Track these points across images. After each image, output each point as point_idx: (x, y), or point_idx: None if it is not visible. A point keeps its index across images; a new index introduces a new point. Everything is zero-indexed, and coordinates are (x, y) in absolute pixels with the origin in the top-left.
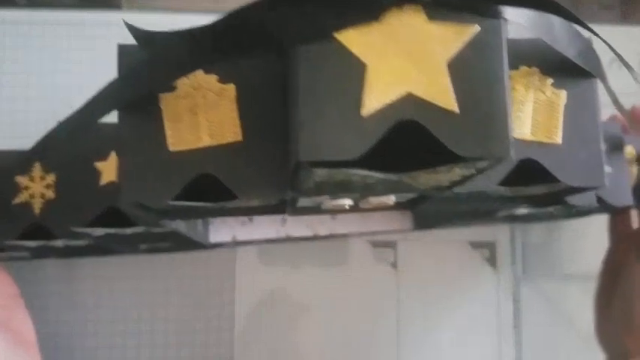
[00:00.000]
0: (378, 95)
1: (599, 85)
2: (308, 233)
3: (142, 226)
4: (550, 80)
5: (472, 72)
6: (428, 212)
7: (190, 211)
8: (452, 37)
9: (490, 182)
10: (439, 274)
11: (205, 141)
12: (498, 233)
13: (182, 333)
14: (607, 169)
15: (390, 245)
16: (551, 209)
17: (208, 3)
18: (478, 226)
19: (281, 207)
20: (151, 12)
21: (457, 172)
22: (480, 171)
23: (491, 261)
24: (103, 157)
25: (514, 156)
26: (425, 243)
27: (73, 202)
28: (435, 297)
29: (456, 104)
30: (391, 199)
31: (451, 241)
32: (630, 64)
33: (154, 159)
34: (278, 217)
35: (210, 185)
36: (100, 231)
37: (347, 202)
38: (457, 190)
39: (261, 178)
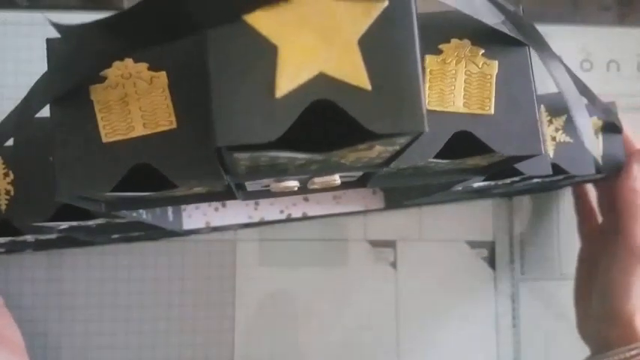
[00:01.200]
0: (290, 76)
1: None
2: (281, 217)
3: (101, 218)
4: (481, 51)
5: (383, 48)
6: (394, 190)
7: (137, 201)
8: (361, 14)
9: (425, 156)
10: (438, 273)
11: (139, 130)
12: (497, 233)
13: (183, 333)
14: (565, 138)
15: (390, 245)
16: (508, 181)
17: None
18: (443, 204)
19: (230, 193)
20: None
21: (379, 148)
22: (403, 146)
23: (490, 261)
24: None
25: (428, 129)
26: (424, 243)
27: (32, 198)
28: (435, 297)
29: (368, 81)
30: (335, 178)
31: (450, 241)
32: (628, 65)
33: (89, 151)
34: (250, 202)
35: (154, 175)
36: (63, 224)
37: (293, 183)
38: (396, 165)
39: (198, 164)
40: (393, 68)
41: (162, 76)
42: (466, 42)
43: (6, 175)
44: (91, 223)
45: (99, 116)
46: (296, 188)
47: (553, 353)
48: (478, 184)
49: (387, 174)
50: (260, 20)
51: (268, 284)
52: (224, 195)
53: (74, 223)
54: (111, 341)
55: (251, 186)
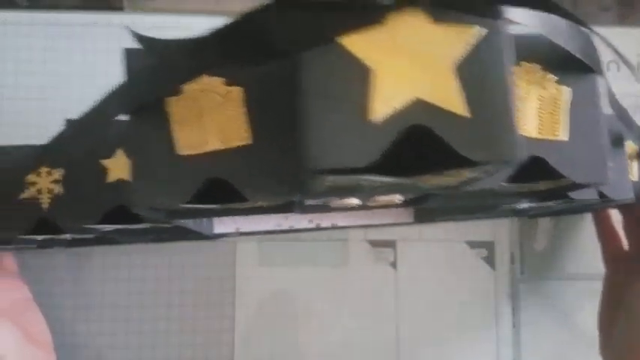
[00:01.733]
0: (385, 100)
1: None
2: (310, 226)
3: (149, 223)
4: (552, 76)
5: (477, 74)
6: (430, 206)
7: (199, 212)
8: (456, 39)
9: (497, 181)
10: (438, 273)
11: (213, 144)
12: (497, 233)
13: (183, 333)
14: (609, 164)
15: (390, 245)
16: (551, 203)
17: (210, 4)
18: (478, 220)
19: (288, 206)
20: (152, 13)
21: (465, 174)
22: (488, 173)
23: (490, 261)
24: (110, 154)
25: (522, 158)
26: (424, 243)
27: (81, 199)
28: (435, 297)
29: (464, 108)
30: (397, 197)
31: (450, 241)
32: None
33: (164, 164)
34: None
35: (218, 186)
36: (109, 227)
37: (355, 201)
38: (467, 188)
39: (270, 180)
40: (490, 96)
41: (237, 91)
42: (536, 66)
43: (49, 173)
44: (136, 226)
45: (174, 129)
46: (355, 205)
47: (553, 353)
48: (523, 205)
49: (447, 195)
50: (354, 43)
51: (268, 284)
52: (282, 208)
53: (120, 227)
54: (110, 341)
55: (311, 201)
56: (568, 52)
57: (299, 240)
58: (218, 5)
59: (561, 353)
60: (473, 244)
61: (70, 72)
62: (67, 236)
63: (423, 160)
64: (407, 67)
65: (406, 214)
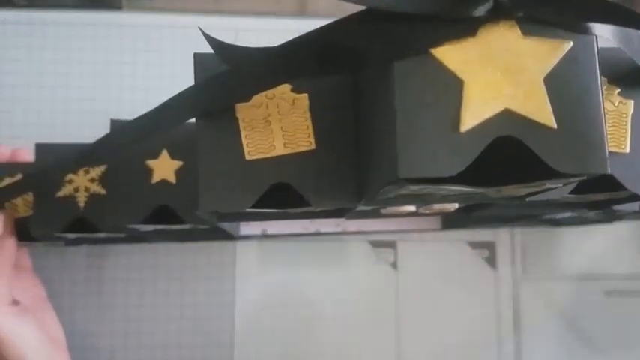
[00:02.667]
0: (475, 111)
1: None
2: (337, 229)
3: (190, 224)
4: (617, 89)
5: (567, 88)
6: (478, 215)
7: (253, 215)
8: (546, 53)
9: (565, 192)
10: (439, 274)
11: (280, 149)
12: (498, 233)
13: (182, 334)
14: None
15: (390, 245)
16: (591, 214)
17: (209, 4)
18: (509, 228)
19: (339, 211)
20: (151, 13)
21: (546, 185)
22: (569, 185)
23: (491, 261)
24: (155, 155)
25: (608, 172)
26: (425, 243)
27: (125, 199)
28: (435, 297)
29: (553, 120)
30: (454, 206)
31: (451, 241)
32: None
33: (232, 168)
34: None
35: (271, 190)
36: (149, 227)
37: (411, 208)
38: (530, 199)
39: (333, 186)
40: (578, 108)
41: (304, 98)
42: (603, 79)
43: (86, 172)
44: (176, 227)
45: (243, 134)
46: (408, 212)
47: (554, 353)
48: (563, 215)
49: (507, 205)
50: (446, 54)
51: (268, 284)
52: (332, 213)
53: (160, 227)
54: (110, 341)
55: (364, 207)
56: (632, 64)
57: (299, 240)
58: (217, 5)
59: (562, 353)
60: (474, 244)
61: (69, 72)
62: (100, 235)
63: (502, 170)
64: (497, 79)
65: (433, 221)
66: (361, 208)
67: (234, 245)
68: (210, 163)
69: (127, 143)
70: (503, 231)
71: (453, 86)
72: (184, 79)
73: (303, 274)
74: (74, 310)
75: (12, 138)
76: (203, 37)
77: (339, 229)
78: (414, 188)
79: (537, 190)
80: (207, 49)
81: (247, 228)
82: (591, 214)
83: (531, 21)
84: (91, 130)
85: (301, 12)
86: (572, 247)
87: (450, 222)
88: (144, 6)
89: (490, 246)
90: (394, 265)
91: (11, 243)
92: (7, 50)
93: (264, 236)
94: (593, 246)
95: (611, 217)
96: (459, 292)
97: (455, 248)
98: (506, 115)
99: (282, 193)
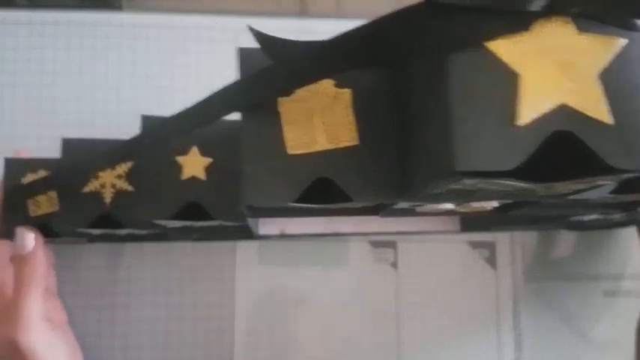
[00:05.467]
0: (532, 105)
1: None
2: (355, 230)
3: (218, 221)
4: None
5: (622, 84)
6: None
7: (289, 210)
8: (601, 49)
9: (606, 191)
10: (439, 274)
11: (322, 144)
12: (498, 233)
13: (182, 334)
14: None
15: (390, 245)
16: (617, 216)
17: (208, 3)
18: (530, 231)
19: (375, 208)
20: (151, 12)
21: (596, 182)
22: (619, 181)
23: (491, 261)
24: (184, 151)
25: None
26: (425, 243)
27: (153, 195)
28: (435, 297)
29: (608, 116)
30: (492, 204)
31: (451, 241)
32: None
33: (275, 163)
34: None
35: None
36: (177, 223)
37: (448, 206)
38: (576, 196)
39: (376, 182)
40: (633, 105)
41: (346, 94)
42: None
43: (113, 168)
44: (200, 224)
45: (285, 128)
46: (445, 210)
47: (554, 353)
48: (590, 217)
49: (546, 203)
50: (502, 48)
51: (268, 284)
52: (367, 210)
53: (187, 223)
54: (110, 342)
55: (400, 204)
56: None
57: (299, 240)
58: (216, 4)
59: (562, 354)
60: (474, 245)
61: (69, 71)
62: (123, 232)
63: (545, 166)
64: (553, 73)
65: (451, 222)
66: (399, 205)
67: (234, 245)
68: (252, 157)
69: (168, 138)
70: (503, 231)
71: (508, 79)
72: (184, 78)
73: (303, 274)
74: (74, 310)
75: (12, 137)
76: (203, 38)
77: (357, 230)
78: (468, 182)
79: (586, 187)
80: (207, 49)
81: (266, 228)
82: (618, 216)
83: (585, 17)
84: (91, 130)
85: (301, 12)
86: (572, 248)
87: (469, 224)
88: (144, 6)
89: (490, 246)
90: (394, 265)
91: (43, 259)
92: (7, 50)
93: (283, 236)
94: (593, 246)
95: (636, 220)
96: (459, 292)
97: (455, 248)
98: (563, 109)
99: (320, 188)
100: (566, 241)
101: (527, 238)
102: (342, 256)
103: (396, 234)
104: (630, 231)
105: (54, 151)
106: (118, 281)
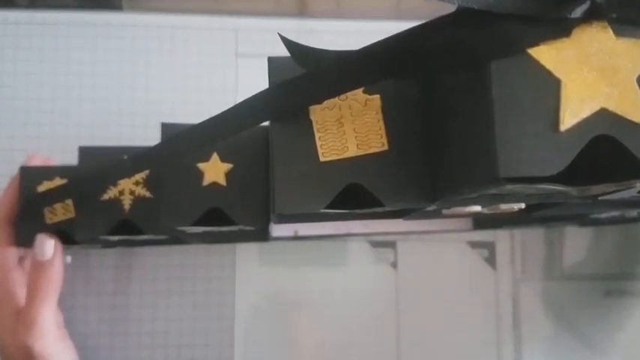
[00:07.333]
0: (574, 111)
1: None
2: (367, 230)
3: (238, 226)
4: None
5: None
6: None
7: (317, 216)
8: (639, 54)
9: (632, 191)
10: (439, 274)
11: (353, 150)
12: (498, 233)
13: (182, 334)
14: None
15: (390, 245)
16: (635, 213)
17: (209, 4)
18: (544, 228)
19: (401, 212)
20: (151, 13)
21: (635, 185)
22: None
23: (491, 261)
24: (205, 157)
25: None
26: (425, 243)
27: (174, 202)
28: (435, 297)
29: None
30: (520, 205)
31: (451, 241)
32: None
33: (307, 169)
34: None
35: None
36: (198, 229)
37: (476, 208)
38: (603, 198)
39: (407, 186)
40: None
41: (376, 100)
42: None
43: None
44: (225, 229)
45: (317, 136)
46: (471, 212)
47: (554, 353)
48: (607, 214)
49: (575, 204)
50: (543, 54)
51: (268, 284)
52: (392, 214)
53: (208, 229)
54: (110, 342)
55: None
56: None
57: (299, 240)
58: (217, 5)
59: (562, 353)
60: (474, 245)
61: (69, 71)
62: (140, 237)
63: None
64: (593, 78)
65: (464, 222)
66: (427, 208)
67: (234, 245)
68: (285, 165)
69: (194, 149)
70: (503, 231)
71: (550, 85)
72: (184, 78)
73: (303, 274)
74: (74, 310)
75: (11, 137)
76: (203, 38)
77: (368, 230)
78: (510, 187)
79: (622, 188)
80: (207, 49)
81: (280, 230)
82: (635, 212)
83: (624, 22)
84: (91, 130)
85: (301, 12)
86: (571, 247)
87: (482, 222)
88: (144, 6)
89: (490, 246)
90: (394, 265)
91: (61, 267)
92: (7, 50)
93: (296, 238)
94: (592, 246)
95: None
96: (459, 292)
97: (455, 248)
98: (603, 114)
99: (346, 193)
100: (566, 241)
101: (527, 238)
102: (342, 256)
103: (407, 233)
104: (631, 231)
105: (54, 151)
106: (118, 281)
